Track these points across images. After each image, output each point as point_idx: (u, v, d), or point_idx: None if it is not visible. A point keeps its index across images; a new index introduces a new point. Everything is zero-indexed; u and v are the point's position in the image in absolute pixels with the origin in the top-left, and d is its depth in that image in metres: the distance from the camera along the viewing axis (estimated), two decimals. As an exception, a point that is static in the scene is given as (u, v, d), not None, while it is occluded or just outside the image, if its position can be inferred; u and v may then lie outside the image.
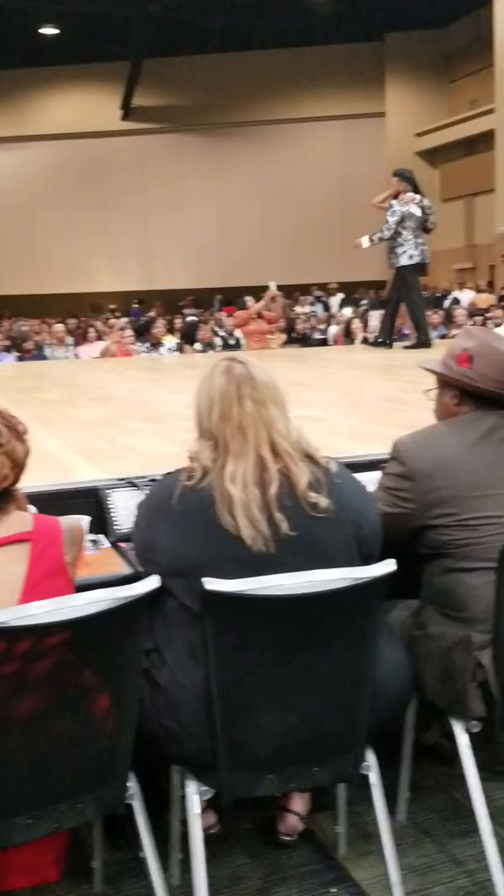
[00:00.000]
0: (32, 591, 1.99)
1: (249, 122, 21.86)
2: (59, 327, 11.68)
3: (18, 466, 2.10)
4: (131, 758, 2.01)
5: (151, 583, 1.91)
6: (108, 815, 2.11)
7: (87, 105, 20.94)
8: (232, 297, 19.03)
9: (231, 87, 20.86)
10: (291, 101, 21.43)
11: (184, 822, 2.29)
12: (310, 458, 2.11)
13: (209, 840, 2.13)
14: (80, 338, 12.02)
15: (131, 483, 2.94)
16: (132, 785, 2.06)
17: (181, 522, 2.05)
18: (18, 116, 20.75)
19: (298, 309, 15.97)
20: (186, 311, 16.85)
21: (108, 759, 1.97)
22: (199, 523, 2.03)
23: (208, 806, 2.18)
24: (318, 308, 16.87)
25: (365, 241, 8.78)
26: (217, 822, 2.47)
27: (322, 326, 13.26)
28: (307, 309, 16.29)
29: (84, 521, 2.53)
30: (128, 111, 21.30)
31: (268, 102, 21.42)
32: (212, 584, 1.87)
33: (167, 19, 17.79)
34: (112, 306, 19.85)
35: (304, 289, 19.13)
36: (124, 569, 2.52)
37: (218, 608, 1.90)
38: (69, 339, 11.57)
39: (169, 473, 2.17)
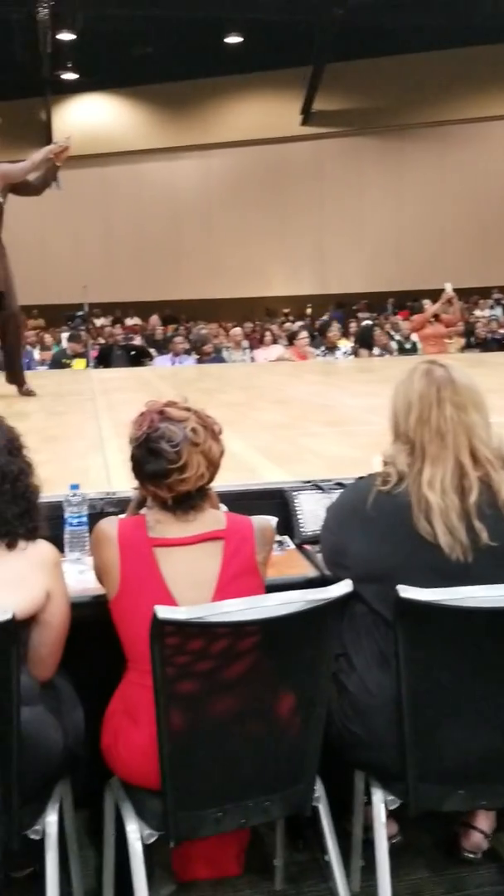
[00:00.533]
0: (225, 589, 2.03)
1: (429, 122, 21.50)
2: (237, 331, 11.91)
3: (214, 466, 2.13)
4: (318, 760, 2.01)
5: (344, 587, 1.91)
6: (290, 816, 2.12)
7: (267, 111, 21.21)
8: (405, 301, 18.79)
9: (411, 87, 20.57)
10: (473, 100, 20.91)
11: (366, 829, 2.27)
12: (512, 467, 2.04)
13: (390, 850, 2.10)
14: (256, 341, 12.21)
15: (317, 486, 2.93)
16: (318, 787, 2.06)
17: (376, 528, 2.03)
18: (201, 125, 21.29)
19: (478, 312, 15.57)
20: (361, 314, 16.77)
21: (297, 760, 1.98)
22: (394, 529, 2.00)
23: (390, 815, 2.15)
24: (499, 311, 16.40)
25: None
26: (398, 832, 2.43)
27: (503, 331, 12.87)
28: (487, 312, 15.86)
29: (272, 521, 2.55)
30: (307, 116, 21.42)
31: (448, 102, 20.99)
32: (407, 591, 1.84)
33: (348, 23, 17.77)
34: (286, 310, 20.03)
35: (484, 292, 18.64)
36: (310, 571, 2.52)
37: (412, 617, 1.87)
38: (245, 343, 11.77)
39: (362, 478, 2.15)
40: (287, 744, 1.97)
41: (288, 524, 2.82)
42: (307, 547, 2.70)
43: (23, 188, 5.97)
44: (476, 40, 19.07)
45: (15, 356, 6.16)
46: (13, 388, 6.03)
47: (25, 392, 6.03)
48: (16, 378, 6.10)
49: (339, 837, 2.15)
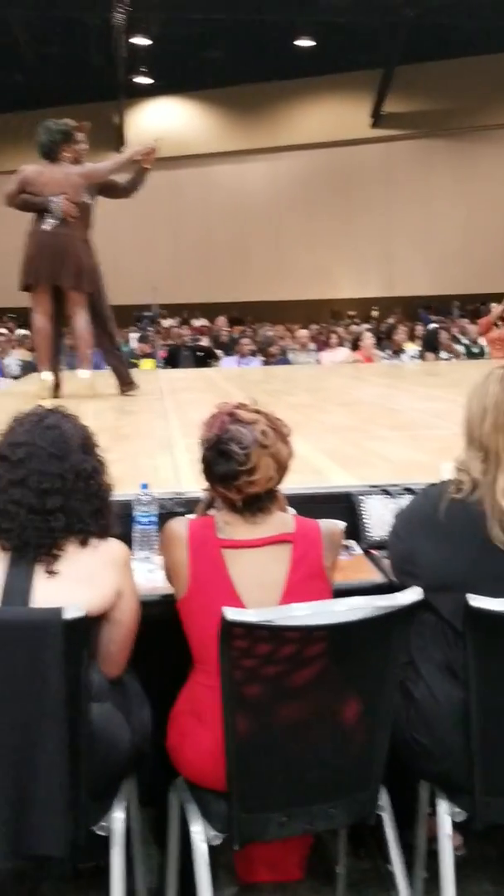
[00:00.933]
0: (293, 593, 2.02)
1: (500, 124, 21.23)
2: (303, 333, 11.91)
3: (282, 468, 2.12)
4: (383, 769, 1.99)
5: (413, 595, 1.88)
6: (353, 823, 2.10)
7: (337, 114, 21.17)
8: (471, 305, 18.51)
9: (481, 89, 20.32)
10: (546, 102, 20.63)
11: (429, 840, 2.24)
12: None
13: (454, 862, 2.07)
14: (322, 343, 12.19)
15: (385, 491, 2.91)
16: (382, 796, 2.04)
17: (447, 536, 2.00)
18: (271, 128, 21.33)
19: (548, 317, 15.25)
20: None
21: (362, 767, 1.96)
22: (466, 538, 1.97)
23: (454, 827, 2.12)
24: None
25: None
26: (462, 845, 2.40)
27: None
28: None
29: (340, 525, 2.54)
30: (377, 118, 21.33)
31: (521, 104, 20.75)
32: (477, 601, 1.82)
33: (419, 25, 17.65)
34: (351, 313, 19.94)
35: None
36: (376, 577, 2.50)
37: (482, 627, 1.84)
38: (311, 345, 11.77)
39: (433, 485, 2.13)
40: (353, 751, 1.95)
41: (355, 529, 2.79)
42: (374, 552, 2.69)
43: (110, 190, 5.90)
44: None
45: (116, 361, 6.02)
46: (87, 387, 5.85)
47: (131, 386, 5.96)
48: (123, 381, 5.96)
49: (401, 848, 2.13)
